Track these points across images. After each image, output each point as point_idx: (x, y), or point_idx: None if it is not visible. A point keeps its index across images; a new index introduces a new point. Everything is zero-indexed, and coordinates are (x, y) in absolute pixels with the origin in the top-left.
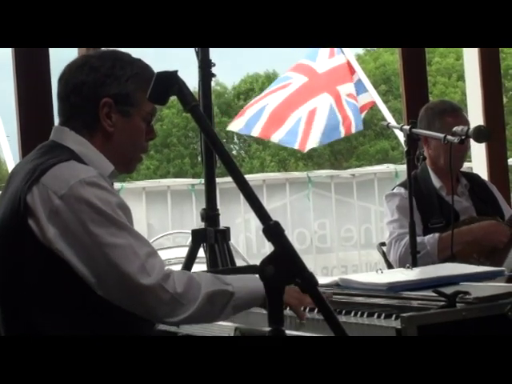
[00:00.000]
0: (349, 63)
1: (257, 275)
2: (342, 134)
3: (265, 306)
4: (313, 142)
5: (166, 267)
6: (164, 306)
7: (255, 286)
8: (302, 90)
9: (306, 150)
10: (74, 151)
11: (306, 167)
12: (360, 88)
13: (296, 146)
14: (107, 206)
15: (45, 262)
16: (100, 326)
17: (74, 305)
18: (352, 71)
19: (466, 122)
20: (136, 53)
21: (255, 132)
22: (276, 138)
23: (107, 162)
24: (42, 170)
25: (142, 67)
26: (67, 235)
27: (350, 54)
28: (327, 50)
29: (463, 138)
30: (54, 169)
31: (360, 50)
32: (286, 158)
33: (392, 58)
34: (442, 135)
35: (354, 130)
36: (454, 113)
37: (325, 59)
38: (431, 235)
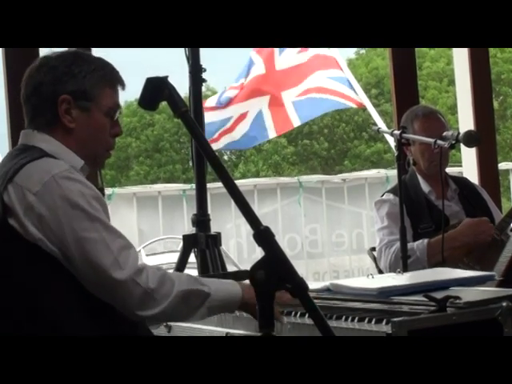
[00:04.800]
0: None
1: (235, 281)
2: (272, 135)
3: (244, 309)
4: (219, 145)
5: (140, 262)
6: (135, 300)
7: (232, 291)
8: (249, 85)
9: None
10: (43, 149)
11: (299, 172)
12: (347, 85)
13: (208, 137)
14: (81, 199)
15: (31, 256)
16: (90, 320)
17: (63, 297)
18: (331, 62)
19: (440, 127)
20: (128, 61)
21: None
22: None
23: (76, 157)
24: (15, 170)
25: (100, 64)
26: (44, 229)
27: (337, 53)
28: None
29: (453, 142)
30: (26, 167)
31: (351, 55)
32: (278, 163)
33: (383, 62)
34: (432, 140)
35: (297, 124)
36: (425, 117)
37: (292, 54)
38: (420, 241)
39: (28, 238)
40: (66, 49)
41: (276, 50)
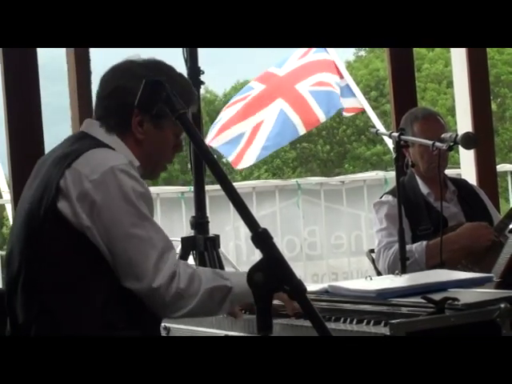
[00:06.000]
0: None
1: None
2: (302, 132)
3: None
4: (248, 161)
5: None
6: (168, 304)
7: None
8: (255, 100)
9: (239, 167)
10: (103, 142)
11: (299, 175)
12: (347, 92)
13: (230, 159)
14: (134, 195)
15: (73, 243)
16: (116, 312)
17: (95, 286)
18: (331, 66)
19: (439, 129)
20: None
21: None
22: (214, 143)
23: (134, 159)
24: (76, 156)
25: (182, 84)
26: (93, 217)
27: (336, 56)
28: (300, 52)
29: (451, 144)
30: (86, 154)
31: (350, 57)
32: (279, 167)
33: (383, 65)
34: (430, 142)
35: (323, 119)
36: (425, 119)
37: (293, 61)
38: (419, 243)
39: (75, 225)
40: (151, 57)
41: (275, 67)
